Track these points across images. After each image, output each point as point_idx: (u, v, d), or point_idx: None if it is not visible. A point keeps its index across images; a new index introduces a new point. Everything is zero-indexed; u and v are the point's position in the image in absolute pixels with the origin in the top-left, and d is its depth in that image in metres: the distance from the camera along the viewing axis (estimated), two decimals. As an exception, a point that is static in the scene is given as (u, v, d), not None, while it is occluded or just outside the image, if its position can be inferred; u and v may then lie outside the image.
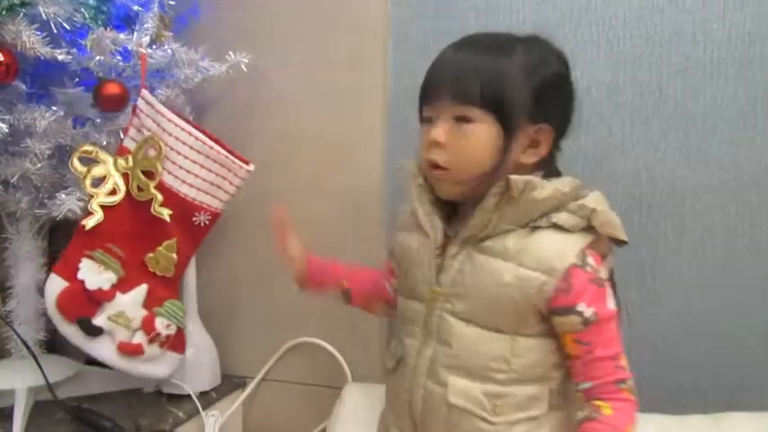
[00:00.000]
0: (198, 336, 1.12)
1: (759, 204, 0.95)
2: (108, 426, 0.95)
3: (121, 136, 0.98)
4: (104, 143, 0.97)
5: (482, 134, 0.73)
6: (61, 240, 1.14)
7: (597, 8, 0.99)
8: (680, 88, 0.97)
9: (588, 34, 1.00)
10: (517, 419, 0.73)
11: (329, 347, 1.16)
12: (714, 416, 0.90)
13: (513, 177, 0.70)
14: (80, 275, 0.93)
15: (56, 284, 0.94)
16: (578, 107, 0.88)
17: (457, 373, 0.73)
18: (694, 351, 0.97)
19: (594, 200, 0.74)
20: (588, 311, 0.71)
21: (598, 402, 0.71)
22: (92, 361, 1.06)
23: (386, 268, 0.92)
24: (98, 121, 1.00)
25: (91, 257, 0.94)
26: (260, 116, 1.17)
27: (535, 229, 0.73)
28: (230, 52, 1.08)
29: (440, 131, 0.74)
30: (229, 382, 1.19)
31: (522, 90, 0.73)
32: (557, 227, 0.72)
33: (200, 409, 1.06)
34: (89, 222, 0.92)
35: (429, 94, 0.76)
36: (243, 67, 1.08)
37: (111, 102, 0.97)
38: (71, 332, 0.94)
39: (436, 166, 0.75)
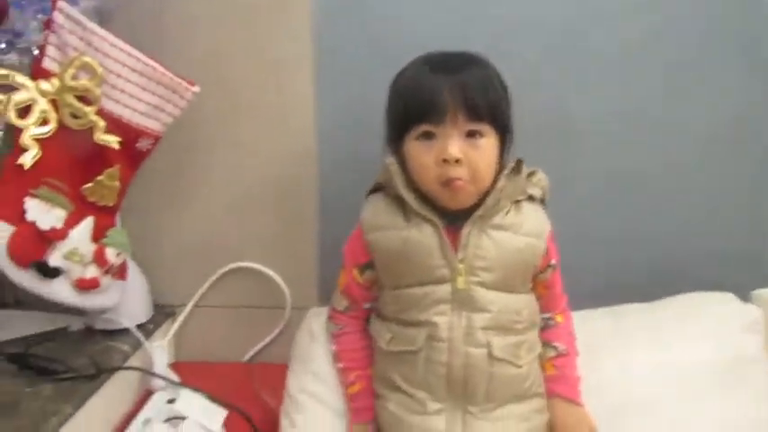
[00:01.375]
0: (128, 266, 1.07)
1: (640, 132, 1.12)
2: (60, 368, 0.90)
3: (35, 54, 0.87)
4: (17, 64, 0.85)
5: (492, 146, 0.83)
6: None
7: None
8: (584, 28, 1.09)
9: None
10: (532, 359, 0.88)
11: (265, 269, 1.18)
12: (614, 308, 1.07)
13: (522, 159, 0.86)
14: (29, 217, 0.84)
15: (1, 229, 0.84)
16: (500, 43, 1.02)
17: (494, 332, 0.84)
18: (585, 255, 1.12)
19: (542, 174, 0.92)
20: (553, 262, 0.91)
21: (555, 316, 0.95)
22: None
23: (355, 290, 0.93)
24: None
25: (36, 196, 0.85)
26: (172, 32, 1.09)
27: (517, 202, 0.87)
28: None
29: (456, 149, 0.80)
30: (161, 312, 1.17)
31: (507, 102, 0.85)
32: (530, 198, 0.88)
33: (144, 341, 1.04)
34: (26, 159, 0.82)
35: (435, 113, 0.80)
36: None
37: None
38: (24, 277, 0.86)
39: (454, 180, 0.81)
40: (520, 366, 0.85)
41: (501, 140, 0.85)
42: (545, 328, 0.94)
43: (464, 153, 0.80)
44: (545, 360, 0.92)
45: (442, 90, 0.80)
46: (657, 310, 1.04)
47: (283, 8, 1.10)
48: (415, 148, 0.83)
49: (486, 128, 0.82)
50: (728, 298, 1.05)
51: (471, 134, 0.81)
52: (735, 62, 1.09)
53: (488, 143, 0.83)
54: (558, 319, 0.95)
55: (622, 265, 1.17)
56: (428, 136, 0.82)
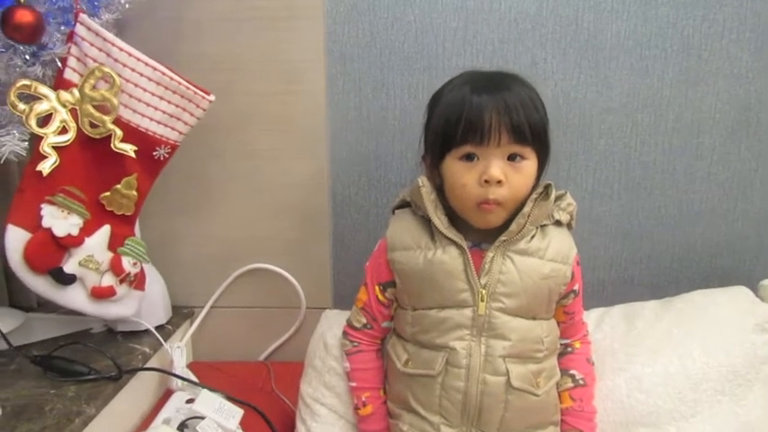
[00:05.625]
0: (147, 270, 1.10)
1: (649, 123, 1.14)
2: (83, 370, 0.93)
3: (59, 65, 0.89)
4: (41, 75, 0.88)
5: (532, 168, 0.83)
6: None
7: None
8: (592, 21, 1.11)
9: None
10: (550, 387, 0.88)
11: (280, 271, 1.20)
12: (627, 309, 1.07)
13: (551, 184, 0.84)
14: (45, 223, 0.87)
15: (18, 236, 0.87)
16: (506, 38, 1.08)
17: (513, 360, 0.83)
18: (596, 248, 1.19)
19: (571, 198, 0.90)
20: (576, 288, 0.90)
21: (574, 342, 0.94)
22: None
23: (375, 308, 0.92)
24: (22, 48, 0.89)
25: (52, 203, 0.87)
26: (186, 40, 1.12)
27: (543, 227, 0.86)
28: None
29: (499, 171, 0.79)
30: (179, 313, 1.20)
31: (548, 123, 0.84)
32: (557, 223, 0.88)
33: (164, 343, 1.07)
34: (45, 167, 0.85)
35: (479, 134, 0.79)
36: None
37: (22, 32, 0.83)
38: (40, 284, 0.89)
39: (491, 202, 0.80)
40: (538, 395, 0.85)
41: (540, 163, 0.84)
42: (563, 354, 0.93)
43: (506, 175, 0.80)
44: (563, 390, 0.91)
45: (487, 111, 0.79)
46: (669, 312, 1.03)
47: (297, 16, 1.12)
48: (456, 167, 0.82)
49: (528, 150, 0.81)
50: (741, 294, 1.05)
51: (513, 156, 0.81)
52: (746, 47, 1.10)
53: (529, 165, 0.82)
54: (577, 345, 0.94)
55: (633, 256, 1.19)
56: (470, 157, 0.81)
